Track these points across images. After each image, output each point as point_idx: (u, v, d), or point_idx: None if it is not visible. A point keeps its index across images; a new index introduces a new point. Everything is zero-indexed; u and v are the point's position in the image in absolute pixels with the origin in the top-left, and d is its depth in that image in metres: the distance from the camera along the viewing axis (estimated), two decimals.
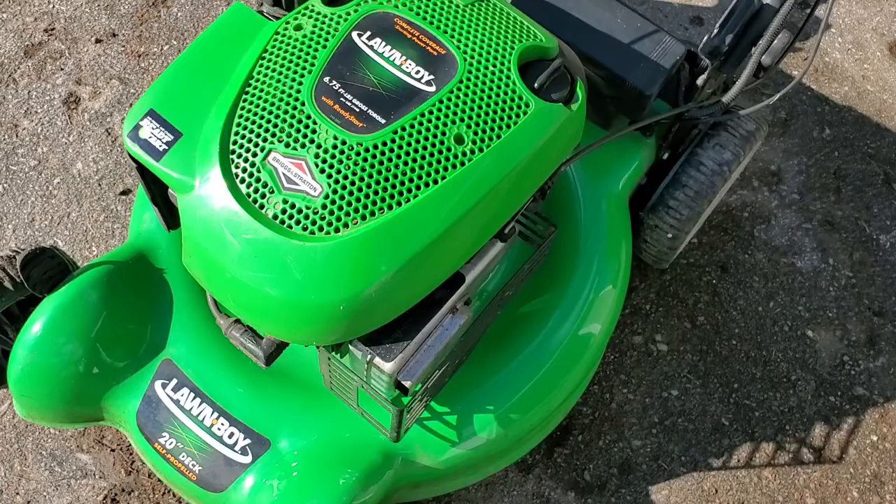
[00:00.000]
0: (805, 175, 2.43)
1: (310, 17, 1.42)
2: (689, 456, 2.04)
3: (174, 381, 1.72)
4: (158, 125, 1.38)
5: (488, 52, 1.39)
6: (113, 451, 1.95)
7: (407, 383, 1.47)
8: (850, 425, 2.11)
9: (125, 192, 2.24)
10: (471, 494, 1.96)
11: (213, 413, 1.70)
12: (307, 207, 1.28)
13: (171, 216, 1.57)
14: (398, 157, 1.30)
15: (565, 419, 2.04)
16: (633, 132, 1.93)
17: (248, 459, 1.66)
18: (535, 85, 1.40)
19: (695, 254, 2.29)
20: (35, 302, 1.71)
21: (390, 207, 1.29)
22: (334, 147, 1.30)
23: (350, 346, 1.45)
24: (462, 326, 1.51)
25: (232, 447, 1.67)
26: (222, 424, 1.69)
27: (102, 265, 1.73)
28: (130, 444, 1.93)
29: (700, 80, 1.82)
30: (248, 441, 1.67)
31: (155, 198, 1.52)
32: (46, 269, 1.68)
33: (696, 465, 2.03)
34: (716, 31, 1.80)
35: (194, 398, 1.71)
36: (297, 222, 1.28)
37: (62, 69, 2.39)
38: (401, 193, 1.30)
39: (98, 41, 2.44)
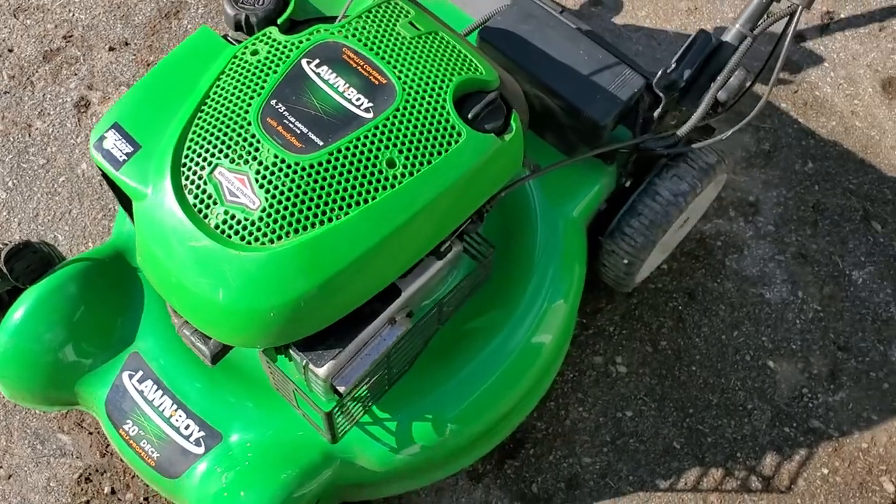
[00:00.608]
0: (783, 207, 2.46)
1: (266, 43, 1.53)
2: (637, 476, 2.10)
3: (140, 373, 1.85)
4: (121, 137, 1.51)
5: (426, 83, 1.48)
6: (91, 434, 2.09)
7: (341, 388, 1.57)
8: (802, 457, 2.14)
9: None
10: (420, 498, 2.05)
11: (172, 405, 1.82)
12: (246, 219, 1.39)
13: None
14: (332, 176, 1.41)
15: (519, 432, 2.11)
16: (594, 160, 2.01)
17: (201, 450, 1.78)
18: (469, 115, 1.49)
19: (663, 279, 2.34)
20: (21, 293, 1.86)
21: (322, 223, 1.40)
22: (274, 164, 1.41)
23: (290, 351, 1.55)
24: (400, 337, 1.61)
25: (187, 438, 1.79)
26: (180, 416, 1.81)
27: (83, 261, 1.87)
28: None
29: (656, 113, 1.89)
30: (202, 433, 1.79)
31: (122, 202, 1.65)
32: (29, 262, 1.83)
33: (643, 485, 2.09)
34: (672, 65, 1.86)
35: (157, 390, 1.83)
36: (236, 233, 1.39)
37: (76, 74, 2.55)
38: (332, 210, 1.40)
39: (111, 49, 2.59)
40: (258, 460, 1.73)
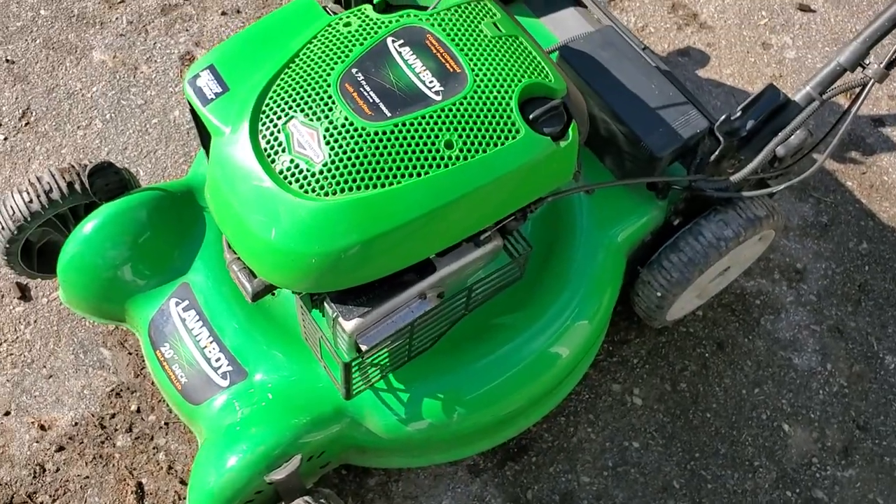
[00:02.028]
0: (829, 280, 2.48)
1: (359, 17, 1.66)
2: None
3: (186, 303, 1.98)
4: (213, 78, 1.65)
5: (496, 79, 1.58)
6: (130, 354, 2.23)
7: (363, 347, 1.67)
8: None
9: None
10: (419, 479, 2.13)
11: (208, 337, 1.94)
12: (308, 170, 1.51)
13: None
14: (392, 146, 1.51)
15: (525, 438, 2.17)
16: (647, 192, 2.08)
17: (225, 383, 1.90)
18: (531, 116, 1.59)
19: (696, 325, 2.38)
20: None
21: (375, 186, 1.50)
22: (342, 125, 1.52)
23: (325, 304, 1.66)
24: (427, 312, 1.70)
25: (216, 370, 1.91)
26: (213, 348, 1.93)
27: (157, 190, 2.02)
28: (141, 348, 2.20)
29: (714, 156, 1.95)
30: (229, 368, 1.91)
31: (203, 139, 1.79)
32: (109, 181, 1.99)
33: None
34: (738, 112, 1.92)
35: (198, 321, 1.96)
36: (297, 181, 1.51)
37: (187, 31, 2.74)
38: (387, 177, 1.50)
39: (223, 13, 2.78)
40: (275, 402, 1.84)
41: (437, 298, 1.73)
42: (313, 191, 1.51)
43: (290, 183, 1.52)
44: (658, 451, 2.21)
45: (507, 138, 1.56)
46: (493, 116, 1.56)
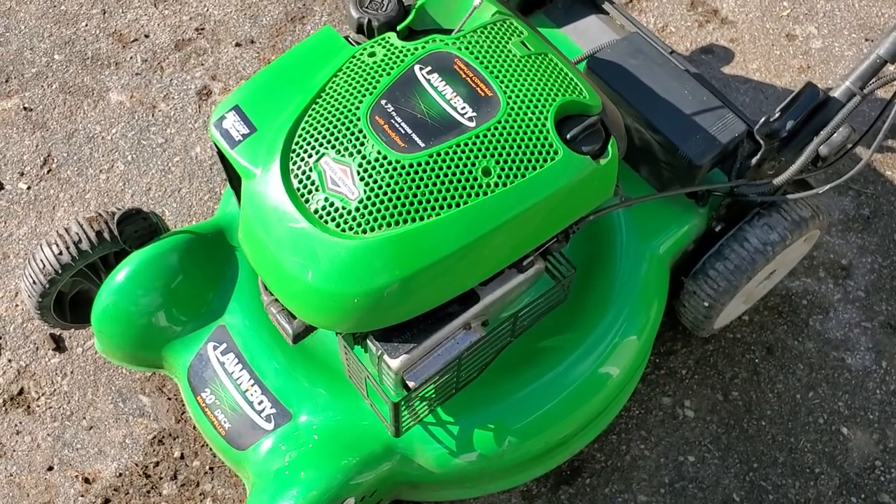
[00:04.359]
0: (876, 275, 2.41)
1: (384, 47, 1.61)
2: None
3: (224, 346, 1.94)
4: (239, 119, 1.61)
5: (530, 100, 1.54)
6: (169, 399, 2.20)
7: (411, 383, 1.63)
8: None
9: None
10: None
11: (249, 380, 1.90)
12: (343, 208, 1.47)
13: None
14: (429, 177, 1.47)
15: (577, 460, 2.12)
16: (687, 200, 2.02)
17: (270, 426, 1.85)
18: (568, 136, 1.53)
19: (743, 330, 2.32)
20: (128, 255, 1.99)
21: (414, 220, 1.46)
22: (376, 160, 1.48)
23: (368, 342, 1.62)
24: (473, 342, 1.65)
25: (259, 413, 1.87)
26: (255, 391, 1.89)
27: (186, 233, 1.98)
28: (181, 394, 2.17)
29: (754, 160, 1.89)
30: (273, 410, 1.87)
31: (232, 181, 1.75)
32: (138, 228, 1.96)
33: None
34: (777, 114, 1.86)
35: (237, 364, 1.92)
36: (333, 219, 1.47)
37: (202, 65, 2.71)
38: (426, 209, 1.46)
39: (237, 45, 2.75)
40: (322, 444, 1.80)
41: (482, 327, 1.68)
42: (350, 229, 1.46)
43: (326, 222, 1.48)
44: (715, 463, 2.15)
45: (545, 161, 1.51)
46: (530, 139, 1.51)
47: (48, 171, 2.53)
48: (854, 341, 2.31)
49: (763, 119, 1.85)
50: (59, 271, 1.92)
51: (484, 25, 1.64)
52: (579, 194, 1.57)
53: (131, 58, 2.73)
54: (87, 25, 2.79)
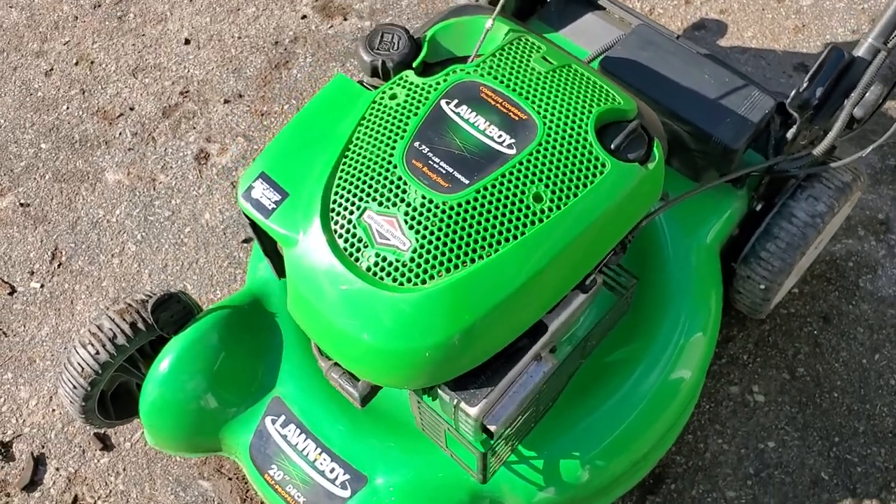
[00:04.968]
0: None
1: (404, 87, 1.55)
2: None
3: (282, 418, 1.87)
4: (269, 186, 1.54)
5: (566, 116, 1.48)
6: (230, 479, 2.12)
7: (492, 427, 1.55)
8: None
9: (247, 241, 2.44)
10: None
11: (316, 448, 1.83)
12: (397, 261, 1.40)
13: (281, 266, 1.73)
14: (480, 214, 1.40)
15: (658, 467, 2.06)
16: (724, 185, 1.97)
17: (346, 493, 1.78)
18: (612, 146, 1.47)
19: (795, 304, 2.27)
20: (164, 341, 1.92)
21: (473, 261, 1.39)
22: (422, 206, 1.41)
23: (439, 391, 1.55)
24: (546, 373, 1.58)
25: (333, 481, 1.80)
26: (325, 459, 1.82)
27: (222, 309, 1.91)
28: (245, 474, 2.09)
29: (790, 134, 1.84)
30: (347, 476, 1.79)
31: (267, 250, 1.68)
32: (173, 312, 1.88)
33: None
34: (805, 83, 1.81)
35: (300, 434, 1.85)
36: (388, 274, 1.40)
37: (194, 128, 2.64)
38: (483, 248, 1.40)
39: (226, 101, 2.68)
40: (406, 502, 1.72)
41: (551, 355, 1.61)
42: (409, 281, 1.40)
43: (382, 278, 1.41)
44: (796, 445, 2.09)
45: (595, 175, 1.45)
46: (575, 156, 1.45)
47: (59, 266, 2.44)
48: None
49: (794, 91, 1.80)
50: (100, 371, 1.84)
51: (501, 47, 1.58)
52: (633, 203, 1.51)
53: (120, 133, 2.65)
54: (68, 108, 2.71)
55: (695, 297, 1.89)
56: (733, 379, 2.18)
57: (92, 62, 2.78)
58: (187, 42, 2.80)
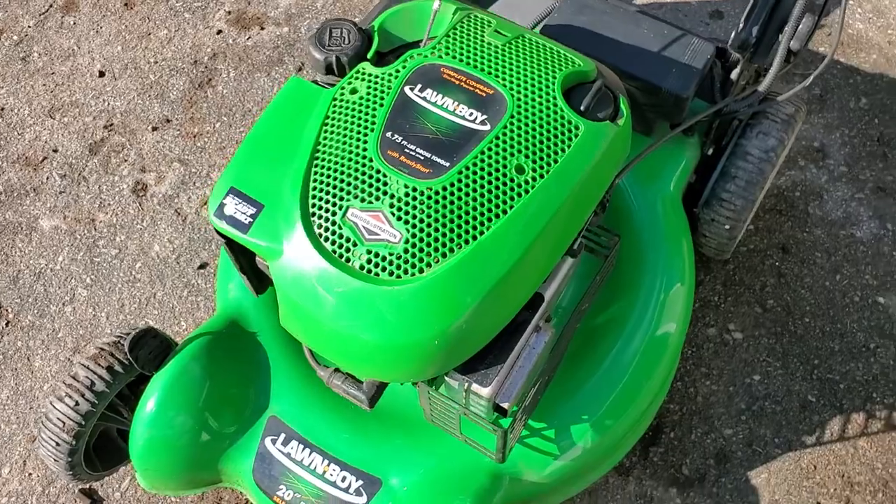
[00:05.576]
0: (849, 146, 2.47)
1: (363, 79, 1.52)
2: (782, 437, 2.08)
3: (282, 436, 1.82)
4: (241, 200, 1.49)
5: (532, 85, 1.48)
6: None
7: (505, 405, 1.55)
8: None
9: (202, 266, 2.36)
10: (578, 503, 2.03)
11: (323, 460, 1.79)
12: (390, 254, 1.38)
13: (259, 283, 1.68)
14: (467, 194, 1.39)
15: (655, 419, 2.09)
16: (676, 134, 2.01)
17: (363, 500, 1.75)
18: (581, 108, 1.49)
19: (753, 239, 2.34)
20: (142, 380, 1.84)
21: (467, 242, 1.38)
22: (407, 195, 1.39)
23: (446, 378, 1.53)
24: (548, 343, 1.59)
25: (346, 490, 1.76)
26: (334, 470, 1.78)
27: (200, 337, 1.84)
28: (250, 501, 2.03)
29: (734, 75, 1.89)
30: (360, 482, 1.76)
31: (243, 268, 1.63)
32: (151, 348, 1.80)
33: (791, 445, 2.07)
34: (742, 24, 1.86)
35: (304, 449, 1.80)
36: (383, 269, 1.38)
37: (126, 160, 2.54)
38: (475, 228, 1.39)
39: (154, 129, 2.59)
40: (427, 498, 1.70)
41: (548, 324, 1.62)
42: (405, 273, 1.38)
43: (377, 274, 1.38)
44: (780, 374, 2.16)
45: (571, 139, 1.46)
46: (549, 123, 1.46)
47: (6, 324, 2.31)
48: (855, 215, 2.36)
49: (733, 34, 1.85)
50: (83, 423, 1.75)
51: (453, 27, 1.57)
52: (610, 159, 1.52)
53: (48, 178, 2.52)
54: None
55: (668, 247, 1.92)
56: (709, 321, 2.23)
57: (2, 109, 2.64)
58: (102, 74, 2.68)
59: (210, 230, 2.40)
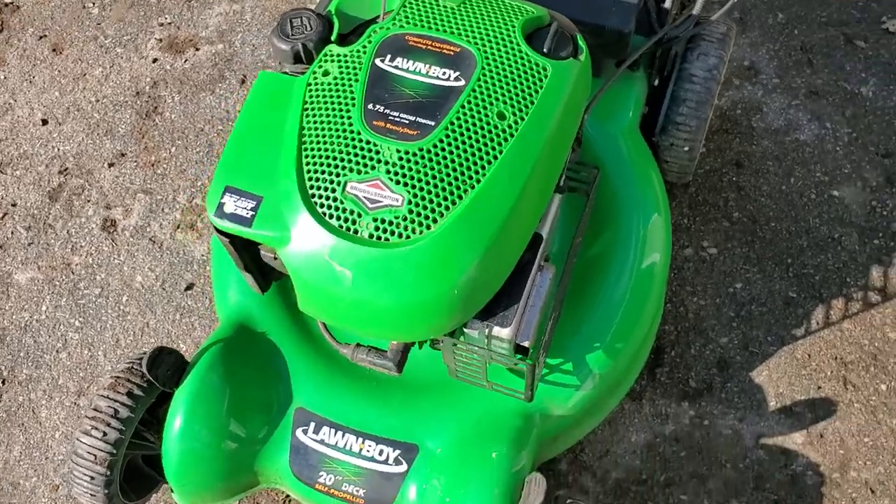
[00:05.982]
0: (777, 59, 2.61)
1: (333, 60, 1.58)
2: (773, 335, 2.20)
3: (312, 425, 1.85)
4: (239, 196, 1.53)
5: (495, 37, 1.56)
6: None
7: (525, 343, 1.62)
8: None
9: (189, 287, 2.38)
10: (598, 437, 2.11)
11: (357, 439, 1.83)
12: (395, 218, 1.43)
13: (263, 279, 1.72)
14: (457, 147, 1.46)
15: (655, 341, 2.19)
16: (625, 72, 2.10)
17: (403, 468, 1.80)
18: (545, 50, 1.57)
19: (708, 161, 2.46)
20: (161, 402, 1.86)
21: (466, 192, 1.45)
22: (401, 159, 1.45)
23: (465, 329, 1.60)
24: (552, 279, 1.67)
25: (385, 462, 1.81)
26: (370, 446, 1.82)
27: (212, 347, 1.87)
28: (291, 496, 2.05)
29: (667, 3, 2.00)
30: (398, 452, 1.81)
31: (247, 265, 1.66)
32: (168, 365, 1.82)
33: (783, 341, 2.19)
34: None
35: (336, 432, 1.84)
36: (392, 233, 1.43)
37: (89, 200, 2.53)
38: (471, 178, 1.45)
39: (111, 165, 2.58)
40: (464, 453, 1.76)
41: (548, 262, 1.70)
42: (414, 232, 1.44)
43: (387, 239, 1.44)
44: (759, 279, 2.28)
45: (542, 80, 1.54)
46: (518, 68, 1.53)
47: (3, 383, 2.29)
48: (795, 120, 2.50)
49: None
50: (114, 451, 1.76)
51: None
52: (579, 94, 1.61)
53: (13, 233, 2.50)
54: None
55: (637, 181, 2.01)
56: (684, 243, 2.34)
57: None
58: (45, 122, 2.67)
59: (190, 251, 2.41)
